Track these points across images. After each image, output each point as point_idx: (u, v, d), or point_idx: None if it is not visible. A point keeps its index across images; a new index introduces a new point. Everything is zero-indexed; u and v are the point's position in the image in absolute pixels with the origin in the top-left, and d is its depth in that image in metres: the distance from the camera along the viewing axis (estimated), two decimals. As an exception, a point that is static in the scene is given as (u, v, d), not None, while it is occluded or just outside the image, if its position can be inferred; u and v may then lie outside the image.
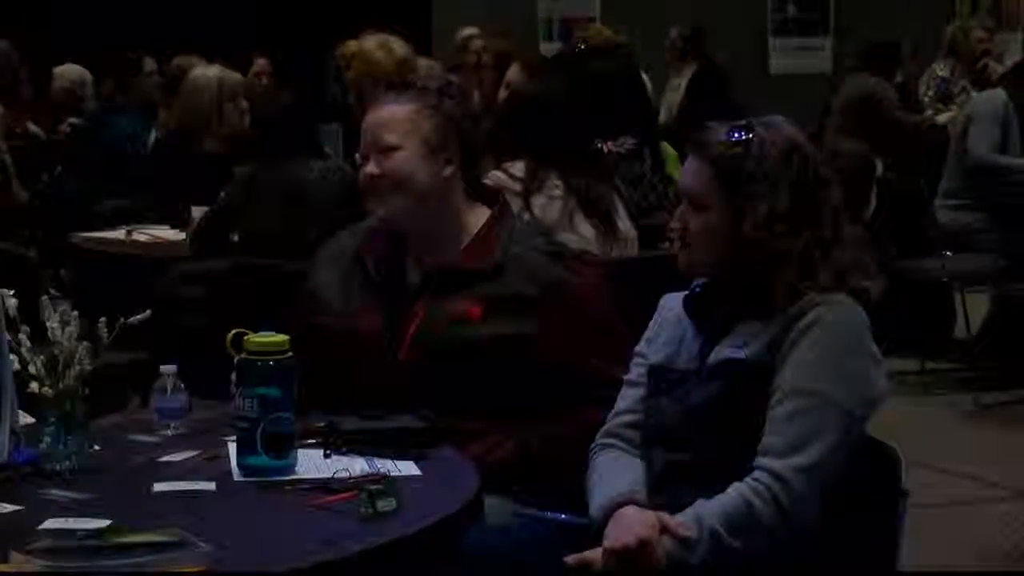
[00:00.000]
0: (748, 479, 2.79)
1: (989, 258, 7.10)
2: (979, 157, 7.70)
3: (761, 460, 2.80)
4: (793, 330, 2.85)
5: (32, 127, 9.07)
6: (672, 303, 3.09)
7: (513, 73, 6.67)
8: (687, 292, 3.05)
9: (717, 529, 2.77)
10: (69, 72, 9.66)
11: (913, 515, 2.98)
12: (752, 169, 2.89)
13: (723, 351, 2.91)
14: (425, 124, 3.31)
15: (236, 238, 5.38)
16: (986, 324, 7.63)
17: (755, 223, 2.88)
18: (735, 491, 2.79)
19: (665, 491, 2.92)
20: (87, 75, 9.68)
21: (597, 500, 2.93)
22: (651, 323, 3.13)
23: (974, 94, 9.59)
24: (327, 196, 5.34)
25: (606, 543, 2.81)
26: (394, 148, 3.31)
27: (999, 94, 7.97)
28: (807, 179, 2.92)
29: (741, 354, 2.88)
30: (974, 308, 7.66)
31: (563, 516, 3.10)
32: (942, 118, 9.99)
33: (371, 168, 3.34)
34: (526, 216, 4.84)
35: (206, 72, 6.71)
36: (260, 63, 9.42)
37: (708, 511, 2.79)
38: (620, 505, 2.87)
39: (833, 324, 2.85)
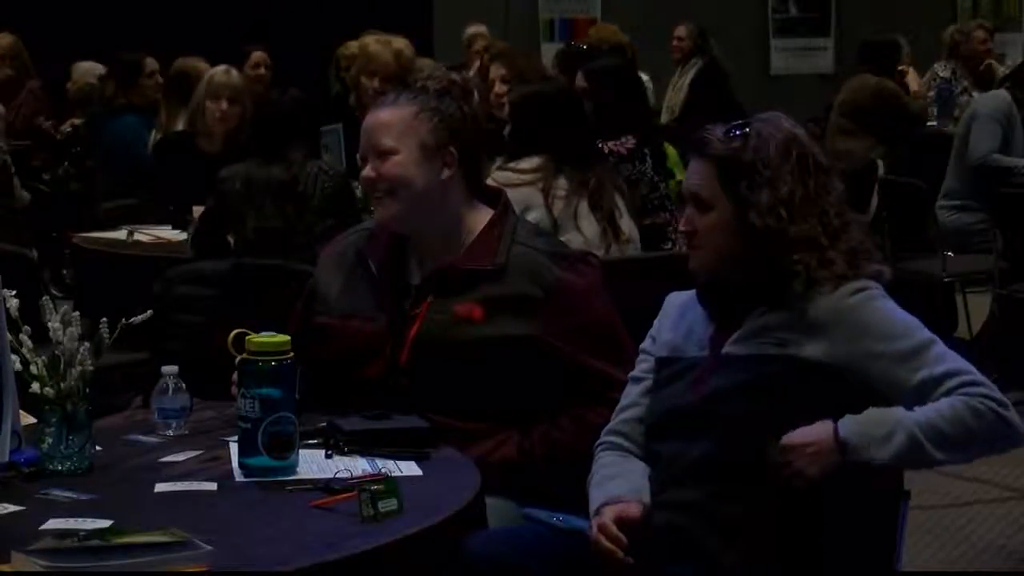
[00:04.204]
0: (957, 399, 2.79)
1: (989, 258, 7.09)
2: (981, 157, 7.70)
3: (962, 389, 2.80)
4: (843, 323, 2.87)
5: (44, 122, 9.08)
6: (677, 300, 3.12)
7: (496, 71, 6.71)
8: (701, 283, 3.06)
9: (917, 436, 2.77)
10: (92, 68, 9.67)
11: (913, 515, 2.98)
12: (751, 160, 2.92)
13: (750, 345, 2.92)
14: (423, 127, 3.31)
15: (232, 239, 5.39)
16: (987, 324, 7.63)
17: (760, 212, 2.90)
18: (953, 407, 2.79)
19: (670, 487, 2.93)
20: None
21: (592, 506, 2.95)
22: (656, 321, 3.14)
23: (976, 95, 9.59)
24: (317, 196, 5.35)
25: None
26: (391, 151, 3.31)
27: (1002, 95, 7.96)
28: (807, 167, 2.94)
29: (783, 351, 2.90)
30: (975, 308, 7.66)
31: (561, 517, 3.10)
32: (913, 83, 10.11)
33: (368, 171, 3.34)
34: (541, 211, 4.87)
35: (208, 72, 6.73)
36: (256, 55, 9.42)
37: (916, 417, 2.79)
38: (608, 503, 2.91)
39: (881, 298, 2.92)
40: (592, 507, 2.95)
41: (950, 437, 2.77)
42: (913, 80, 10.37)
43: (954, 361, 2.85)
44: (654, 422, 3.03)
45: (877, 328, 2.88)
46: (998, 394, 2.81)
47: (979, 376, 2.83)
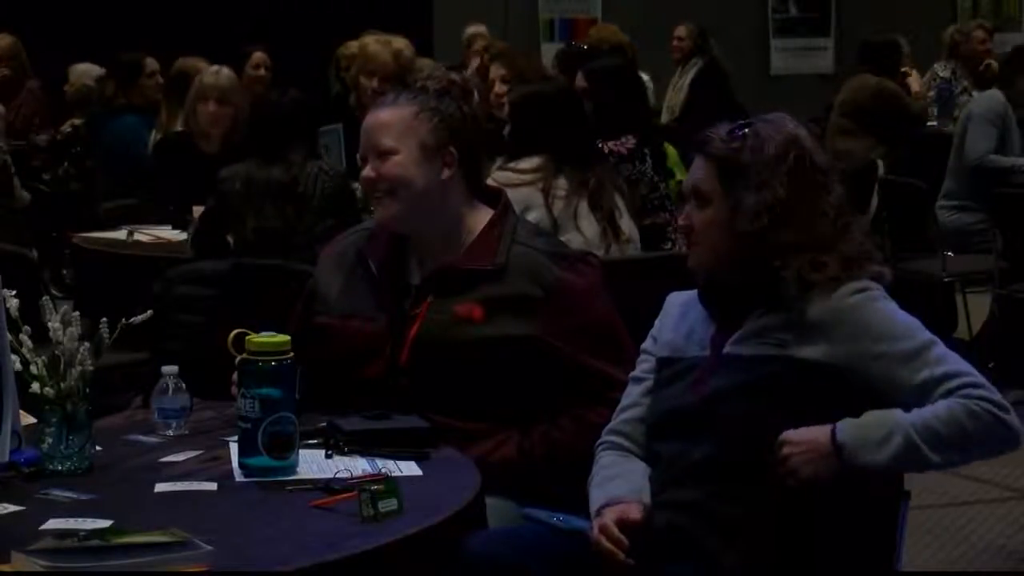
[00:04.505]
0: (954, 401, 2.79)
1: (989, 258, 7.09)
2: (976, 159, 7.72)
3: (950, 384, 2.80)
4: (843, 324, 2.86)
5: (39, 138, 9.08)
6: (678, 299, 3.12)
7: (496, 71, 6.71)
8: (701, 283, 3.06)
9: (914, 439, 2.76)
10: (89, 70, 9.66)
11: (913, 515, 2.98)
12: (746, 161, 2.93)
13: (750, 346, 2.92)
14: (422, 127, 3.30)
15: (231, 239, 5.39)
16: (987, 324, 7.63)
17: (746, 215, 2.90)
18: (948, 409, 2.78)
19: (670, 487, 2.93)
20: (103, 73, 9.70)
21: (593, 507, 2.95)
22: (657, 321, 3.15)
23: (975, 94, 9.60)
24: (318, 197, 5.35)
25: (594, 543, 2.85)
26: (390, 152, 3.31)
27: (996, 95, 7.98)
28: (804, 170, 2.93)
29: (782, 352, 2.89)
30: (975, 308, 7.66)
31: (561, 517, 3.10)
32: (915, 85, 10.11)
33: (368, 171, 3.35)
34: (541, 211, 4.88)
35: (199, 74, 6.73)
36: (257, 55, 9.43)
37: (912, 419, 2.78)
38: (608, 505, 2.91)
39: (881, 299, 2.91)
40: (593, 507, 2.95)
41: (946, 439, 2.77)
42: (915, 82, 10.38)
43: (955, 362, 2.85)
44: (655, 422, 3.03)
45: (878, 328, 2.87)
46: (997, 396, 2.80)
47: (979, 378, 2.83)
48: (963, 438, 2.77)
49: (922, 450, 2.76)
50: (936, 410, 2.78)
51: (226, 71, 6.71)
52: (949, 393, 2.79)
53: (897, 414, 2.79)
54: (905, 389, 2.83)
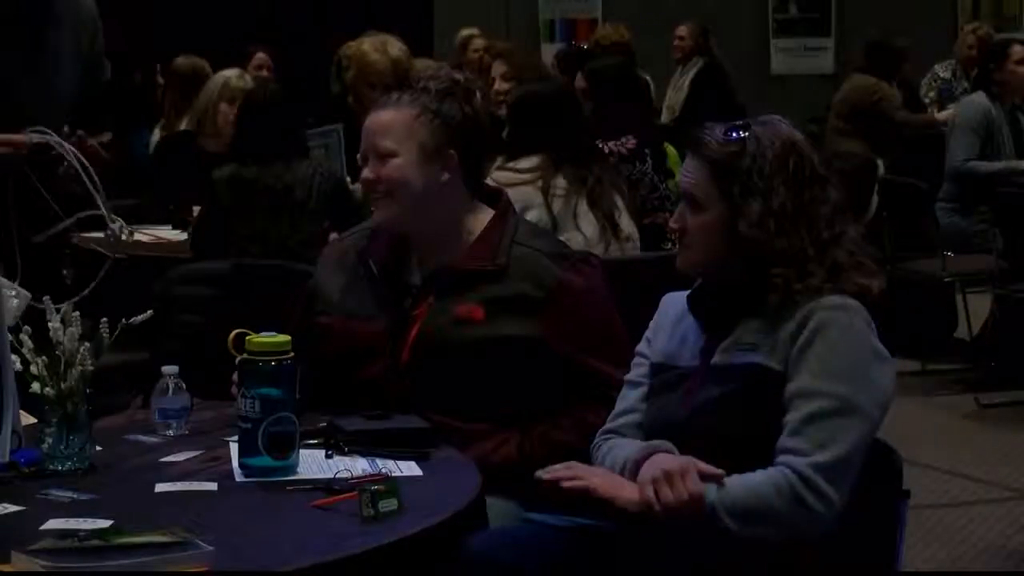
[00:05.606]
0: (773, 471, 2.76)
1: (989, 258, 7.10)
2: (957, 167, 7.75)
3: (785, 458, 2.77)
4: (801, 334, 2.83)
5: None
6: (673, 302, 3.10)
7: (497, 69, 6.71)
8: (690, 290, 3.05)
9: (716, 506, 2.74)
10: None
11: (913, 515, 2.98)
12: (747, 167, 2.90)
13: (731, 354, 2.90)
14: (422, 130, 3.30)
15: (230, 239, 5.38)
16: (987, 324, 7.63)
17: (750, 221, 2.88)
18: (760, 477, 2.76)
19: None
20: None
21: (624, 453, 2.92)
22: (652, 323, 3.13)
23: (962, 99, 9.62)
24: (311, 198, 5.34)
25: (643, 477, 2.80)
26: (390, 154, 3.30)
27: (978, 99, 7.98)
28: (804, 178, 2.91)
29: (750, 358, 2.87)
30: (975, 308, 7.67)
31: (563, 518, 3.10)
32: (942, 115, 10.02)
33: (367, 172, 3.35)
34: (541, 210, 4.87)
35: (221, 74, 6.74)
36: (259, 56, 9.44)
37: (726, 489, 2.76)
38: (654, 452, 2.86)
39: (841, 327, 2.83)
40: (623, 453, 2.91)
41: (747, 507, 2.74)
42: (943, 115, 10.28)
43: (834, 441, 2.75)
44: (649, 431, 3.01)
45: (823, 354, 2.81)
46: (826, 488, 2.73)
47: (830, 469, 2.73)
48: (766, 511, 2.74)
49: (717, 509, 2.74)
50: (756, 477, 2.75)
51: (247, 75, 6.75)
52: (792, 453, 2.75)
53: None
54: (789, 415, 2.79)
